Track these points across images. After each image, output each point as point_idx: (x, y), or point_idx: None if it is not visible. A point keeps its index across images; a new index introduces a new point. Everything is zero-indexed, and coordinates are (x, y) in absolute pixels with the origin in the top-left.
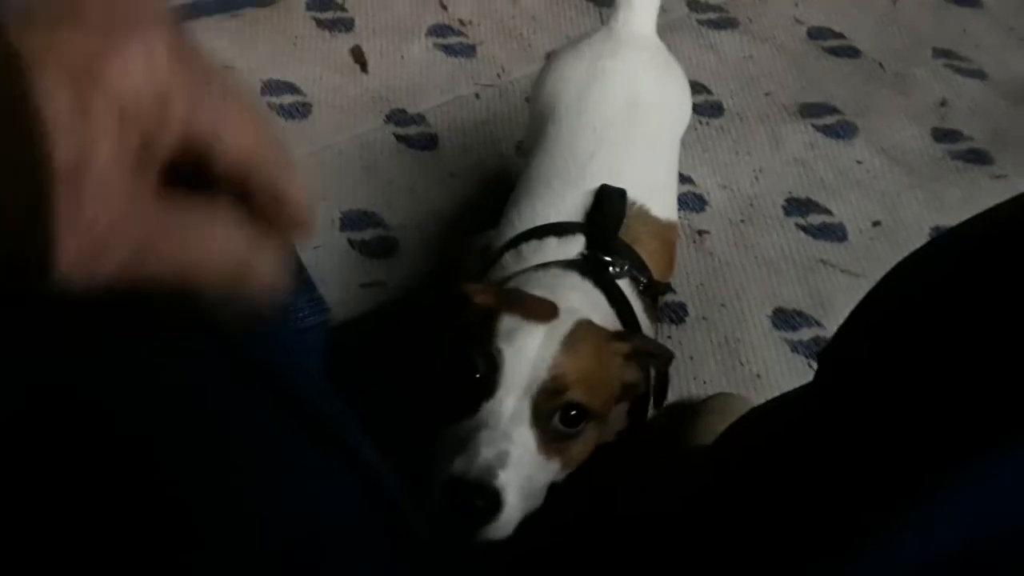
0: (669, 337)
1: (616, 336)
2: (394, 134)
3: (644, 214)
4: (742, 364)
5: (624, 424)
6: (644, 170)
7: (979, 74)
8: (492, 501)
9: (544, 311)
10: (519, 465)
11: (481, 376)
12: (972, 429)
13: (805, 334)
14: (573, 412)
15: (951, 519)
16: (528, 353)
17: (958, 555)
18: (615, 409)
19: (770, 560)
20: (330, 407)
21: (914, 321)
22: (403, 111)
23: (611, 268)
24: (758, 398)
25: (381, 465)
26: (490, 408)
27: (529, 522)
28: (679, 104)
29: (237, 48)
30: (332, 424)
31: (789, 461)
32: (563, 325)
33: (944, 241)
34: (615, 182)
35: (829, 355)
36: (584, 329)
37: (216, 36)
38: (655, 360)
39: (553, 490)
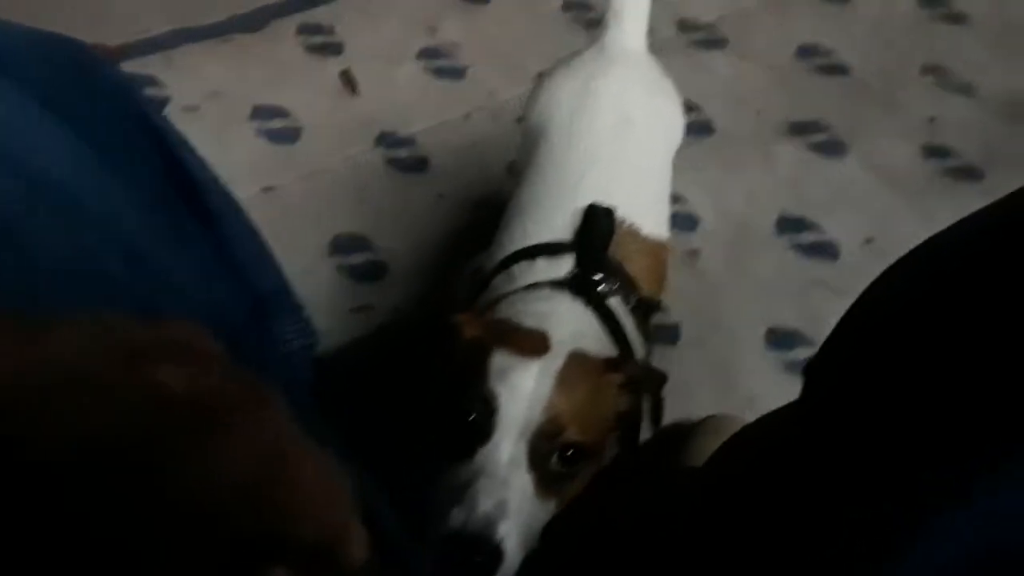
0: (663, 358)
1: (609, 366)
2: (384, 157)
3: (634, 232)
4: (737, 385)
5: (615, 449)
6: (635, 188)
7: (968, 90)
8: (492, 556)
9: (535, 345)
10: (519, 512)
11: (476, 419)
12: (988, 430)
13: (800, 354)
14: (571, 452)
15: (976, 524)
16: (523, 394)
17: (982, 560)
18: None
19: None
20: (321, 441)
21: (908, 325)
22: (393, 134)
23: (600, 286)
24: (753, 419)
25: (376, 502)
26: (487, 453)
27: (526, 562)
28: (671, 121)
29: (227, 73)
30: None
31: (785, 477)
32: (556, 360)
33: (929, 246)
34: (606, 201)
35: (816, 366)
36: (577, 363)
37: (206, 61)
38: (648, 385)
39: (547, 525)
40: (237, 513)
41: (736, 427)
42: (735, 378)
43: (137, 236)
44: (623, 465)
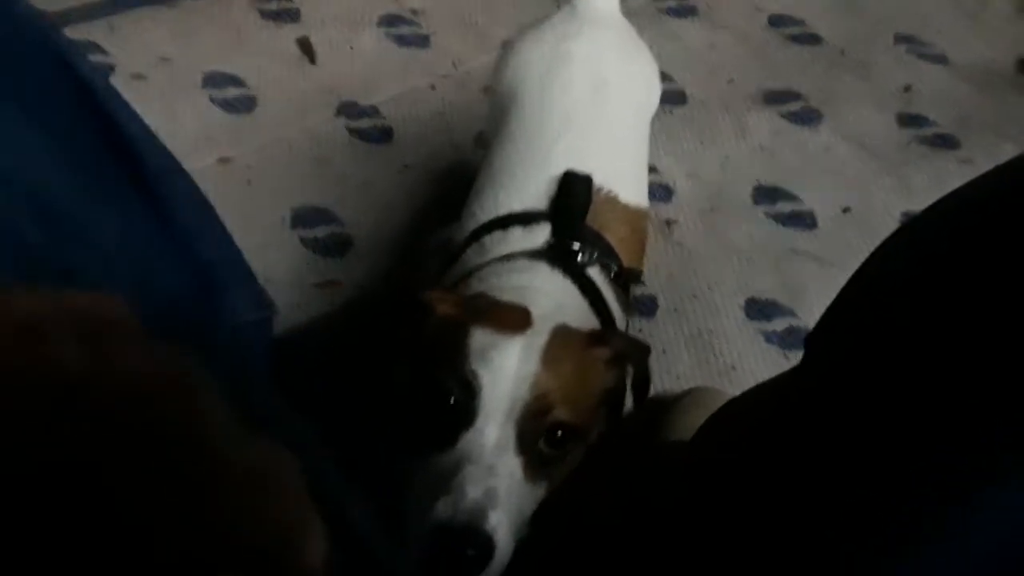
0: (640, 330)
1: (594, 340)
2: (346, 127)
3: (612, 200)
4: (716, 356)
5: (603, 426)
6: (612, 154)
7: (942, 59)
8: (484, 547)
9: (516, 320)
10: (508, 500)
11: (457, 403)
12: (1003, 418)
13: (779, 324)
14: (559, 433)
15: (988, 520)
16: (507, 373)
17: (994, 555)
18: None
19: (777, 557)
20: (277, 419)
21: (907, 301)
22: (355, 103)
23: (579, 256)
24: (734, 390)
25: (346, 495)
26: (471, 438)
27: (515, 550)
28: (647, 84)
29: (175, 39)
30: (279, 437)
31: (781, 451)
32: (540, 335)
33: (920, 221)
34: (582, 167)
35: (818, 338)
36: (562, 338)
37: (153, 27)
38: (633, 359)
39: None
40: (167, 522)
41: (719, 400)
42: (715, 348)
43: (57, 194)
44: (607, 441)
